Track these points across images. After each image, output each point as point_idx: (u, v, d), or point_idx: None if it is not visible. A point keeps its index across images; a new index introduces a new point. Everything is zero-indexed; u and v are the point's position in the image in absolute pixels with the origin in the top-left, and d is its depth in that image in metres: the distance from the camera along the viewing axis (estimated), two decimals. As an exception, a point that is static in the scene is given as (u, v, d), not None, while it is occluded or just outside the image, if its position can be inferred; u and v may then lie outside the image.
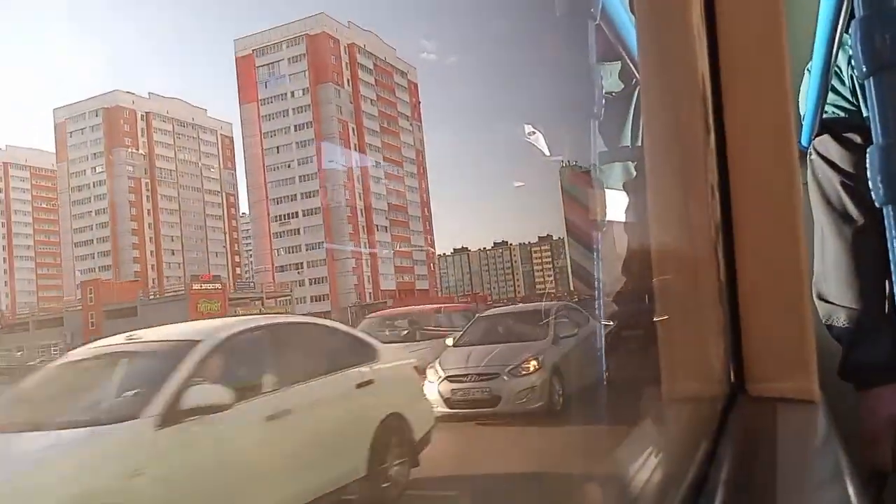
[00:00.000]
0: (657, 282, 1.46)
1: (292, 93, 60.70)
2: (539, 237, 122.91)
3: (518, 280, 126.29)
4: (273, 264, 60.73)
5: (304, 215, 60.37)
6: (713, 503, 0.93)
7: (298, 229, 59.94)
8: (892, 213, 0.77)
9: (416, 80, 72.81)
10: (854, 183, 1.31)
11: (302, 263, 60.31)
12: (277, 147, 60.73)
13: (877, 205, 0.79)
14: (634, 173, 1.74)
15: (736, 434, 1.22)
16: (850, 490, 0.92)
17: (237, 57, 62.89)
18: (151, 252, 74.53)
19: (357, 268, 61.14)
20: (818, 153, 1.43)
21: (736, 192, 1.36)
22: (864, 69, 0.78)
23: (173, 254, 77.40)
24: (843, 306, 1.37)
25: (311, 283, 59.62)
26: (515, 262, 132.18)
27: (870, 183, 0.79)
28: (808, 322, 1.30)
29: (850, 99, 1.34)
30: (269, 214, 60.72)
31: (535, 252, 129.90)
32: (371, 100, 64.88)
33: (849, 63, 1.22)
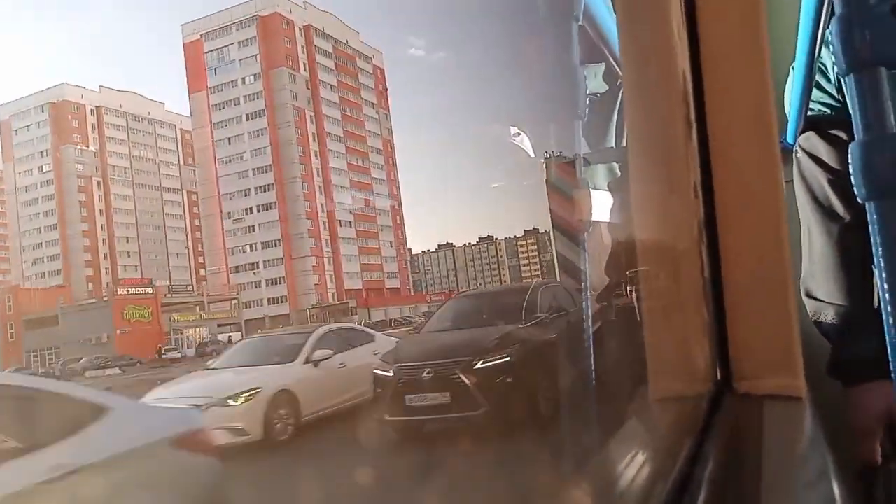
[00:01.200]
0: (642, 280, 1.53)
1: (243, 79, 60.04)
2: (525, 230, 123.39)
3: (504, 275, 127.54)
4: (227, 265, 60.07)
5: (258, 211, 59.83)
6: (697, 502, 0.96)
7: (253, 226, 59.34)
8: (874, 209, 0.82)
9: (382, 65, 72.29)
10: (840, 179, 1.36)
11: (257, 263, 59.79)
12: (229, 138, 60.01)
13: (859, 200, 0.84)
14: (619, 173, 1.83)
15: (721, 432, 1.26)
16: (836, 488, 0.96)
17: (185, 42, 62.05)
18: (105, 255, 73.26)
19: (318, 266, 60.81)
20: (804, 150, 1.48)
21: (719, 190, 1.41)
22: (844, 66, 0.83)
23: (129, 256, 76.30)
24: (830, 303, 1.43)
25: (267, 285, 59.17)
26: (501, 256, 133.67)
27: (852, 179, 0.84)
28: (793, 318, 1.35)
29: (836, 96, 1.39)
30: (221, 211, 60.03)
31: (522, 246, 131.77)
32: (331, 86, 64.49)
33: (833, 60, 1.27)
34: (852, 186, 0.84)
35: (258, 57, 59.34)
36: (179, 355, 37.79)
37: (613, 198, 1.86)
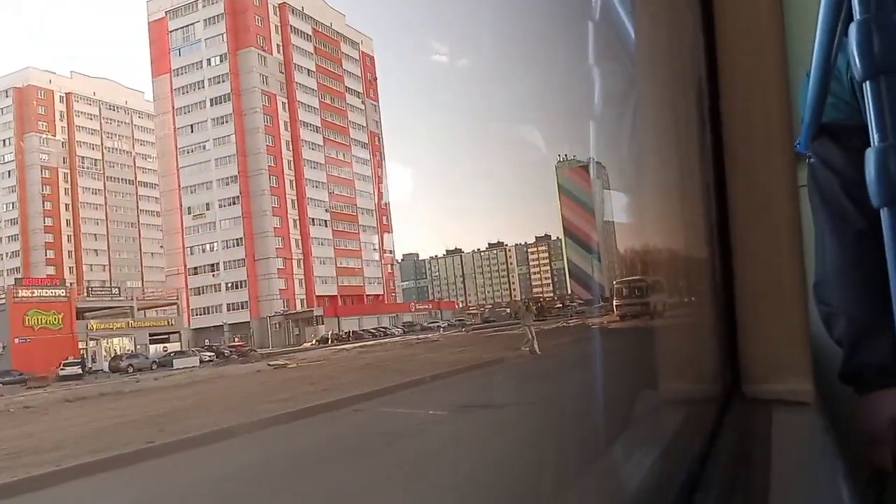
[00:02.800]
0: (654, 283, 1.53)
1: (208, 60, 52.59)
2: (536, 237, 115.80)
3: (514, 283, 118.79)
4: (185, 266, 52.00)
5: (220, 206, 51.87)
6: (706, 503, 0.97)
7: (214, 223, 51.20)
8: (889, 215, 0.80)
9: (371, 52, 64.01)
10: (853, 186, 1.33)
11: (217, 264, 51.55)
12: (192, 125, 52.41)
13: (875, 206, 0.81)
14: (633, 175, 1.73)
15: (731, 435, 1.29)
16: (845, 494, 0.97)
17: (150, 21, 54.49)
18: (70, 252, 65.64)
19: (286, 269, 52.33)
20: (818, 156, 1.45)
21: (732, 194, 1.44)
22: (862, 73, 0.80)
23: (97, 255, 68.71)
24: (843, 309, 1.40)
25: (228, 288, 50.85)
26: (511, 263, 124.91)
27: (868, 185, 0.82)
28: (803, 324, 1.39)
29: (850, 101, 1.35)
30: (181, 206, 52.13)
31: (532, 253, 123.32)
32: (308, 70, 56.69)
33: (848, 66, 1.18)
34: (866, 193, 0.84)
35: (224, 36, 51.23)
36: (80, 371, 31.85)
37: (626, 199, 1.78)
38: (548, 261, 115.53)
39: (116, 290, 47.97)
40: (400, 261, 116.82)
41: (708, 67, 1.43)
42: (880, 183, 0.80)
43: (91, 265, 66.13)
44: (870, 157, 0.81)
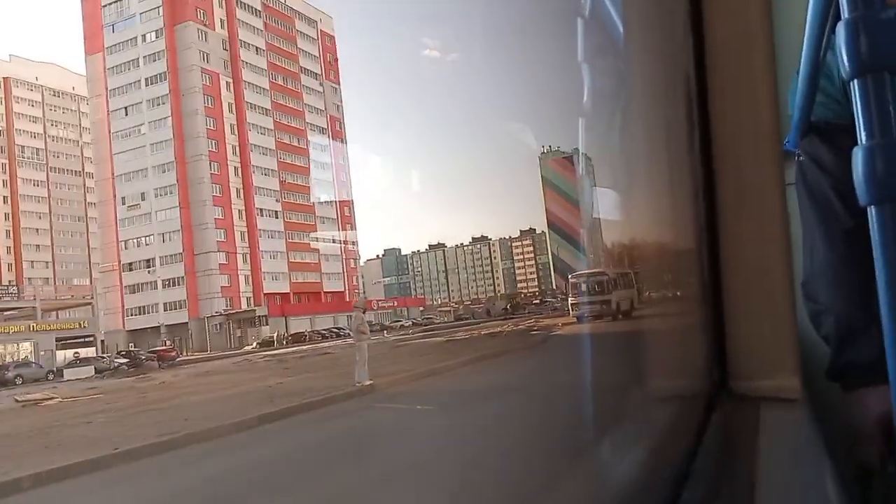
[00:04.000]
0: (641, 279, 1.64)
1: (144, 36, 46.75)
2: (521, 231, 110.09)
3: (498, 278, 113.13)
4: (119, 261, 46.28)
5: (156, 195, 46.08)
6: (693, 500, 1.00)
7: (150, 214, 45.50)
8: (875, 213, 0.81)
9: (332, 31, 58.26)
10: (841, 184, 1.35)
11: (153, 259, 45.81)
12: (126, 108, 46.67)
13: (862, 204, 0.82)
14: (622, 172, 1.73)
15: (717, 432, 1.30)
16: (832, 491, 0.98)
17: (84, -5, 48.65)
18: (8, 248, 59.58)
19: (229, 265, 46.53)
20: (807, 154, 1.46)
21: (721, 192, 1.45)
22: (849, 71, 0.81)
23: (38, 250, 62.63)
24: (830, 307, 1.42)
25: (164, 286, 45.14)
26: (495, 258, 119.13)
27: (855, 183, 0.83)
28: (791, 321, 1.40)
29: (840, 100, 1.36)
30: (115, 196, 46.33)
31: (517, 247, 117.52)
32: (257, 48, 51.07)
33: (838, 64, 1.12)
34: (854, 191, 0.85)
35: (161, 9, 45.44)
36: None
37: (614, 196, 1.82)
38: (532, 255, 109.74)
39: (16, 290, 42.15)
40: (381, 256, 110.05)
41: (696, 65, 1.46)
42: (867, 181, 0.80)
43: (32, 262, 60.36)
44: (857, 155, 0.81)
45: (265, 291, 50.28)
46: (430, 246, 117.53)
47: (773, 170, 1.41)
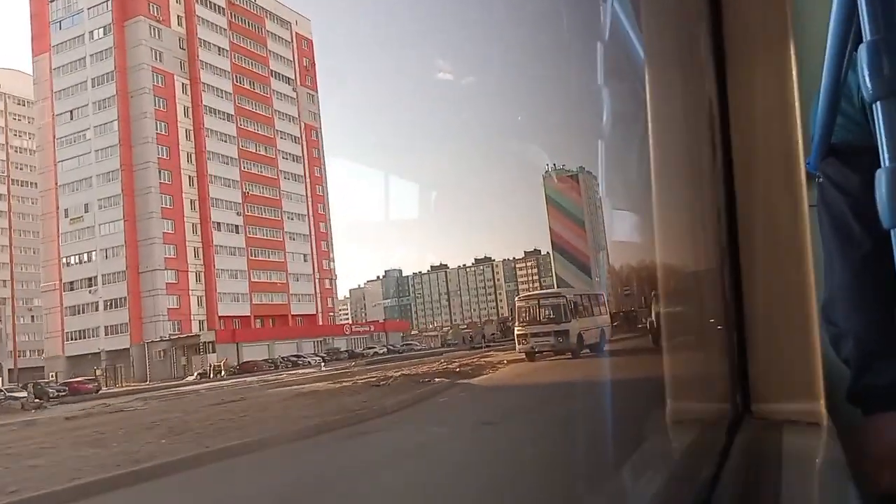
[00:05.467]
0: (663, 303, 1.58)
1: (91, 34, 41.62)
2: (525, 252, 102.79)
3: (501, 300, 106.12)
4: (60, 279, 40.71)
5: (100, 207, 40.48)
6: None
7: (93, 227, 39.90)
8: None
9: (308, 34, 52.89)
10: (862, 207, 1.36)
11: (95, 278, 40.13)
12: (71, 111, 41.47)
13: (885, 227, 0.79)
14: (641, 194, 1.77)
15: (740, 456, 1.31)
16: None
17: (30, -9, 43.98)
18: None
19: (179, 284, 40.68)
20: (826, 176, 1.48)
21: (742, 214, 1.47)
22: (872, 93, 0.79)
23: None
24: (850, 331, 1.43)
25: (107, 307, 39.46)
26: (499, 280, 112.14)
27: (878, 206, 0.80)
28: (814, 344, 1.42)
29: (861, 122, 1.36)
30: (58, 208, 40.86)
31: (521, 269, 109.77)
32: (220, 49, 45.66)
33: (858, 86, 1.12)
34: (874, 214, 0.82)
35: (110, 4, 40.32)
36: None
37: (632, 218, 1.89)
38: (537, 276, 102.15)
39: None
40: (382, 277, 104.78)
41: (718, 87, 1.48)
42: (891, 204, 0.78)
43: (-10, 281, 55.29)
44: (881, 177, 0.80)
45: (220, 314, 44.55)
46: (432, 267, 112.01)
47: (795, 191, 1.43)
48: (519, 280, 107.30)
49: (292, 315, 49.35)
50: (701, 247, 1.52)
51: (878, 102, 0.76)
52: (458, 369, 16.38)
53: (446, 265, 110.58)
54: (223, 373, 35.81)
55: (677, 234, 1.50)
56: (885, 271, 0.81)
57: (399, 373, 18.00)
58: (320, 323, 50.81)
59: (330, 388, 13.45)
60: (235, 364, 37.59)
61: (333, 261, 55.60)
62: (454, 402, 10.01)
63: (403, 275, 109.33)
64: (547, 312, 16.93)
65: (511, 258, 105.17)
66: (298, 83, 53.44)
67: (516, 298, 19.63)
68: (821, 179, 1.44)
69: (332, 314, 53.79)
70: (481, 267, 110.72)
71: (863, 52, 0.78)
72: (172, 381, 35.49)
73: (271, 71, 51.64)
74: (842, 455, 1.22)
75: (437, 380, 13.48)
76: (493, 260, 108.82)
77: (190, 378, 36.20)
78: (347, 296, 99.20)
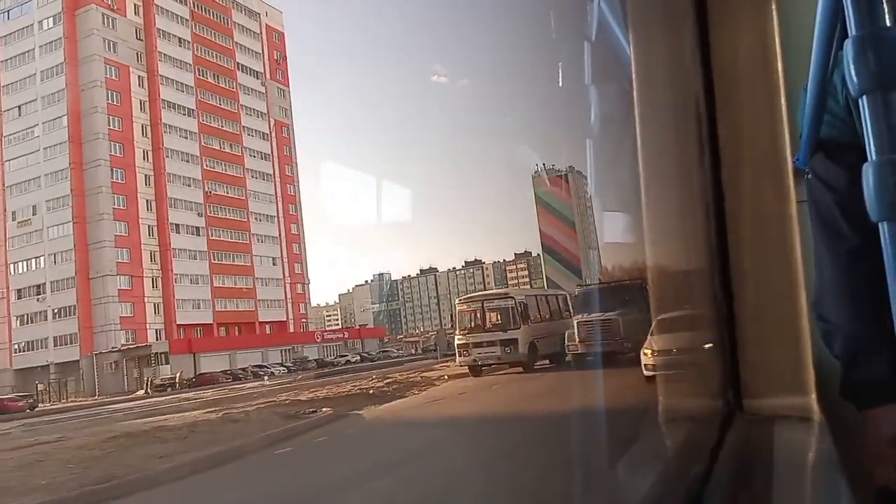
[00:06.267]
0: (653, 301, 1.61)
1: (40, 23, 38.69)
2: (515, 254, 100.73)
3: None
4: (8, 287, 38.00)
5: (49, 209, 37.72)
6: None
7: (42, 231, 37.16)
8: (888, 229, 0.80)
9: (280, 27, 50.35)
10: (849, 202, 1.36)
11: (43, 285, 37.38)
12: (19, 107, 38.68)
13: (872, 220, 0.81)
14: (628, 192, 1.79)
15: (732, 451, 1.31)
16: None
17: (-18, -19, 41.41)
18: None
19: (134, 290, 37.99)
20: (814, 172, 1.49)
21: (731, 211, 1.48)
22: (858, 88, 0.81)
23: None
24: (841, 326, 1.43)
25: (55, 317, 36.79)
26: (489, 282, 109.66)
27: (865, 199, 0.82)
28: (805, 339, 1.43)
29: (845, 118, 1.35)
30: (4, 210, 38.01)
31: (511, 271, 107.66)
32: (181, 40, 43.00)
33: (843, 82, 1.26)
34: (861, 209, 0.84)
35: None
36: None
37: (622, 218, 1.89)
38: (527, 279, 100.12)
39: None
40: (370, 281, 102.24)
41: (705, 86, 1.49)
42: (878, 198, 0.80)
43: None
44: (867, 171, 0.81)
45: (179, 322, 41.69)
46: (421, 270, 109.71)
47: (783, 187, 1.44)
48: (509, 282, 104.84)
49: (260, 322, 46.68)
50: (691, 245, 1.54)
51: (863, 97, 0.76)
52: (379, 390, 13.55)
53: (436, 268, 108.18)
54: (178, 386, 33.06)
55: (667, 232, 1.52)
56: (874, 265, 0.82)
57: (286, 398, 15.13)
58: (291, 330, 48.00)
59: (179, 424, 10.52)
60: (192, 376, 34.84)
61: (306, 264, 52.83)
62: (307, 453, 7.26)
63: (393, 279, 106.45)
64: (492, 317, 14.22)
65: (501, 260, 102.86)
66: (268, 77, 50.86)
67: (457, 301, 17.24)
68: (809, 176, 1.47)
69: (304, 320, 50.99)
70: (471, 269, 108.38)
71: (848, 47, 0.78)
72: (122, 395, 32.70)
73: (238, 64, 49.08)
74: (833, 449, 1.25)
75: (323, 410, 10.50)
76: (483, 262, 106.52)
77: (140, 392, 33.39)
78: (337, 300, 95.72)
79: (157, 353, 37.26)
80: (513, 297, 15.20)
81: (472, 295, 17.83)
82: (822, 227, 1.38)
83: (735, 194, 1.44)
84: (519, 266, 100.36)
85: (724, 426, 1.39)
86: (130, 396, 31.33)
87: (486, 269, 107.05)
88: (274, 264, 48.01)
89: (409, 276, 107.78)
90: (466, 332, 14.55)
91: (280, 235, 48.88)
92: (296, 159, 51.45)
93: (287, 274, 49.27)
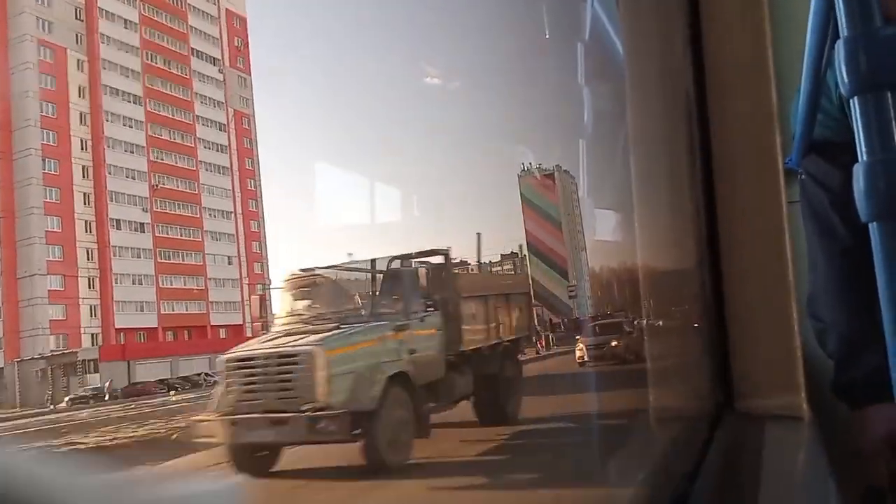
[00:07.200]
0: (644, 299, 1.59)
1: None
2: (502, 255, 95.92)
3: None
4: None
5: None
6: None
7: None
8: (876, 229, 0.82)
9: (242, 11, 47.38)
10: (842, 201, 1.36)
11: None
12: None
13: (862, 220, 0.83)
14: (619, 192, 1.75)
15: (720, 451, 1.33)
16: None
17: None
18: None
19: (68, 291, 34.88)
20: (808, 173, 1.54)
21: (722, 211, 1.50)
22: (849, 89, 0.83)
23: None
24: (833, 325, 1.49)
25: None
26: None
27: (856, 200, 0.84)
28: (795, 339, 1.45)
29: (839, 118, 1.41)
30: None
31: (497, 271, 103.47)
32: (127, 21, 39.85)
33: (836, 82, 1.22)
34: (854, 209, 0.87)
35: None
36: None
37: (615, 217, 1.82)
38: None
39: None
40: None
41: (696, 85, 1.50)
42: (868, 198, 0.81)
43: None
44: (858, 172, 0.82)
45: (118, 326, 38.53)
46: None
47: (775, 188, 1.46)
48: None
49: (212, 326, 43.45)
50: (682, 245, 1.55)
51: (854, 98, 0.77)
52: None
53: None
54: (107, 397, 30.06)
55: (658, 232, 1.53)
56: (866, 265, 0.81)
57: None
58: (249, 334, 44.75)
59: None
60: (125, 385, 31.75)
61: (268, 264, 49.76)
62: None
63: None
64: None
65: (488, 261, 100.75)
66: (227, 65, 47.63)
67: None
68: (803, 176, 1.49)
69: (264, 324, 47.80)
70: (457, 270, 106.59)
71: (840, 49, 0.78)
72: (44, 407, 29.75)
73: (192, 49, 45.85)
74: (823, 449, 1.26)
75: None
76: (469, 264, 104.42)
77: (62, 405, 30.30)
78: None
79: (83, 360, 34.14)
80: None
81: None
82: (815, 227, 1.43)
83: (726, 194, 1.45)
84: (505, 267, 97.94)
85: (714, 425, 1.42)
86: (56, 409, 28.43)
87: (472, 270, 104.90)
88: (230, 264, 44.90)
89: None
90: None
91: (237, 233, 45.80)
92: (258, 152, 48.40)
93: (245, 274, 46.17)
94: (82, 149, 40.62)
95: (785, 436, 1.31)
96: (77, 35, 42.09)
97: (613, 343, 9.91)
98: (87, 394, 31.63)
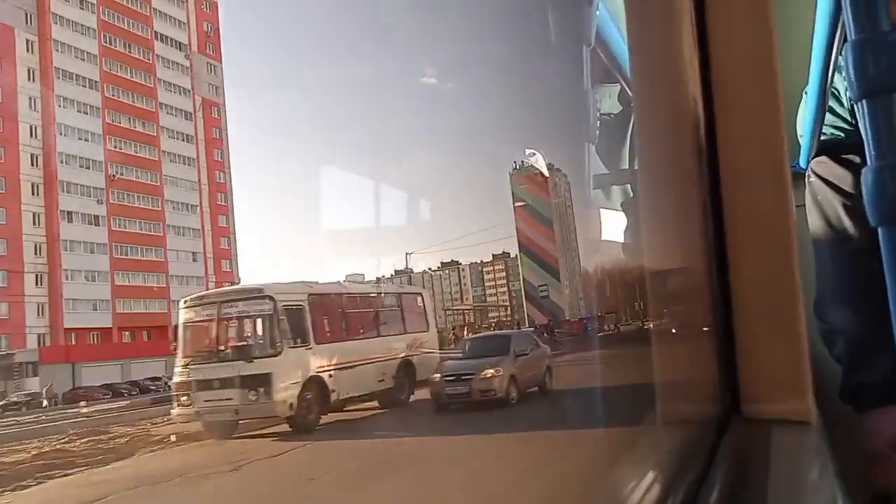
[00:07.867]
0: (650, 302, 1.59)
1: None
2: (493, 255, 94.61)
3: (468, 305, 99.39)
4: None
5: None
6: None
7: None
8: (886, 233, 0.80)
9: (214, -2, 45.49)
10: (853, 204, 1.40)
11: None
12: None
13: (871, 224, 0.81)
14: (631, 194, 1.78)
15: (728, 456, 1.33)
16: None
17: None
18: None
19: (10, 289, 32.45)
20: (817, 175, 1.52)
21: (729, 214, 1.48)
22: (857, 92, 0.80)
23: None
24: (842, 328, 1.47)
25: None
26: (465, 284, 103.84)
27: (865, 203, 0.82)
28: (803, 342, 1.44)
29: (849, 120, 1.42)
30: None
31: (488, 272, 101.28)
32: (84, 1, 36.89)
33: (846, 85, 1.30)
34: (864, 211, 0.85)
35: None
36: None
37: (622, 219, 1.80)
38: (505, 281, 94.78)
39: None
40: (342, 282, 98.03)
41: (703, 88, 1.48)
42: (877, 201, 0.78)
43: None
44: (866, 175, 0.80)
45: (68, 326, 36.04)
46: (396, 272, 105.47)
47: (782, 191, 1.44)
48: (486, 284, 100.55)
49: (173, 325, 40.80)
50: (689, 248, 1.54)
51: (863, 101, 0.75)
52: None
53: (411, 269, 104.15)
54: (46, 403, 27.58)
55: (665, 235, 1.51)
56: (875, 268, 0.79)
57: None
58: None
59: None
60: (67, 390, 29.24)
61: (237, 261, 47.37)
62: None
63: (366, 280, 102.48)
64: (234, 333, 8.10)
65: (479, 261, 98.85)
66: (196, 50, 45.12)
67: (181, 302, 10.20)
68: (811, 178, 1.46)
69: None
70: (447, 271, 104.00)
71: (848, 52, 0.77)
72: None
73: (156, 33, 43.32)
74: (831, 454, 1.25)
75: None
76: (461, 264, 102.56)
77: (-5, 411, 27.85)
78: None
79: (21, 362, 31.69)
80: (270, 298, 8.48)
81: (204, 295, 11.74)
82: (824, 229, 1.41)
83: (733, 197, 1.43)
84: (497, 267, 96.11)
85: (721, 430, 1.41)
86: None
87: (463, 270, 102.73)
88: (194, 260, 42.56)
89: (382, 276, 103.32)
90: (195, 359, 8.50)
91: (203, 228, 43.34)
92: (227, 143, 45.99)
93: (212, 272, 43.74)
94: (31, 136, 38.24)
95: (792, 441, 1.31)
96: (26, 14, 39.77)
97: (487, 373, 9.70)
98: (21, 399, 29.15)
